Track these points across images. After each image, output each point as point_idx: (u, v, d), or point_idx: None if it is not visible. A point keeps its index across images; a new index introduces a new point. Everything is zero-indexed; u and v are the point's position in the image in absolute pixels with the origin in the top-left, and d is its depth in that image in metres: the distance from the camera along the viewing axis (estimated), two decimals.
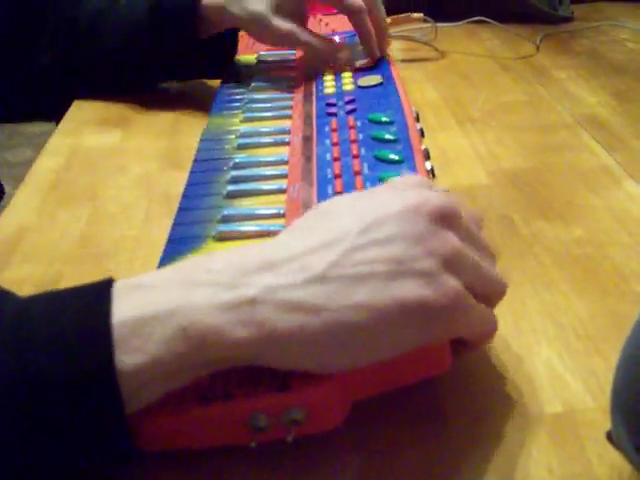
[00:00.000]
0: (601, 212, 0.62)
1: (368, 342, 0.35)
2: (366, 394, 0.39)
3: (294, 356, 0.35)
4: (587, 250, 0.57)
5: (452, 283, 0.36)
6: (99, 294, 0.34)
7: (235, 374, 0.38)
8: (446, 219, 0.38)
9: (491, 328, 0.41)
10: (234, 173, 0.58)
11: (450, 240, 0.37)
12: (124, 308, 0.33)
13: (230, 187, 0.56)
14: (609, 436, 0.37)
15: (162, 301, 0.34)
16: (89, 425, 0.33)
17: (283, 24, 0.74)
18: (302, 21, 0.77)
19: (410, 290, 0.35)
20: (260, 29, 0.75)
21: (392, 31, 1.09)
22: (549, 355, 0.46)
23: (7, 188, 1.10)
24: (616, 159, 0.71)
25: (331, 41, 0.80)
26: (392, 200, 0.38)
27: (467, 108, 0.85)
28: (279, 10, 0.74)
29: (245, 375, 0.37)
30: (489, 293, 0.41)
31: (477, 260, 0.39)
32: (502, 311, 0.49)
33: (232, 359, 0.35)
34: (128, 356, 0.32)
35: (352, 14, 0.75)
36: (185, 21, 0.77)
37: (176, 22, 0.77)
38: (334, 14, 0.94)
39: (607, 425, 0.36)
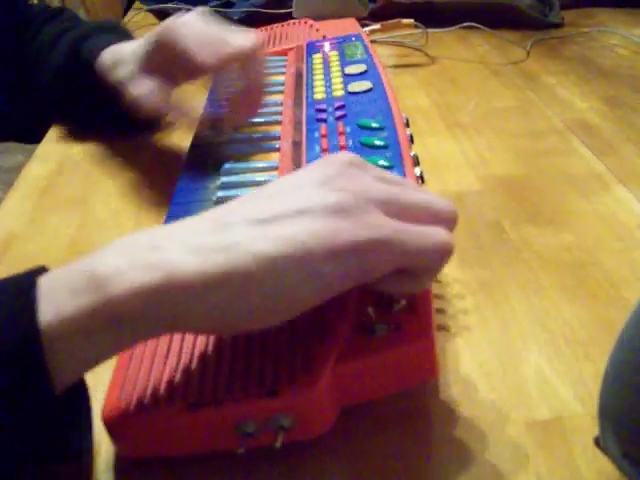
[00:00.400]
0: (591, 218, 0.62)
1: (290, 283, 0.34)
2: (353, 401, 0.39)
3: (196, 305, 0.33)
4: (577, 256, 0.57)
5: (366, 214, 0.35)
6: (26, 277, 0.34)
7: (223, 380, 0.38)
8: (354, 165, 0.38)
9: (436, 247, 0.37)
10: (224, 179, 0.58)
11: (359, 177, 0.37)
12: (43, 281, 0.34)
13: (220, 193, 0.56)
14: (597, 442, 0.37)
15: (74, 263, 0.34)
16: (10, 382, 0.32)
17: (136, 89, 0.65)
18: (174, 82, 0.67)
19: (319, 225, 0.34)
20: (123, 94, 0.66)
21: (383, 37, 1.10)
22: (538, 361, 0.46)
23: None
24: (606, 164, 0.71)
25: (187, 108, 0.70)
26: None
27: (457, 113, 0.85)
28: (149, 71, 0.65)
29: (233, 381, 0.38)
30: (428, 214, 0.38)
31: (394, 188, 0.38)
32: (491, 316, 0.50)
33: (140, 314, 0.33)
34: (41, 313, 0.32)
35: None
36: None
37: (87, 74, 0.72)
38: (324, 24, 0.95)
39: (595, 431, 0.37)
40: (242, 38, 0.60)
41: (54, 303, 0.32)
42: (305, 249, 0.33)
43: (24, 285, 0.33)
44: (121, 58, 0.68)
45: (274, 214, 0.35)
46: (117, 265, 0.33)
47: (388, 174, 0.40)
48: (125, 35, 0.76)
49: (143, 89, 0.64)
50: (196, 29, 0.61)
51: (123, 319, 0.33)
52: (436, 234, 0.37)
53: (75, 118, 0.81)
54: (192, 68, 0.61)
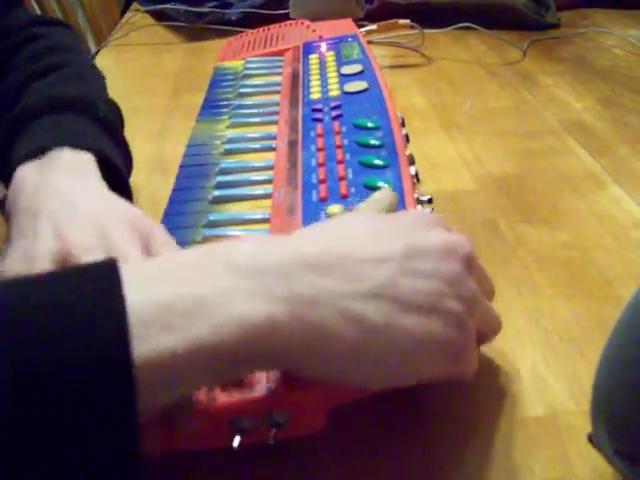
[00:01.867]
0: (586, 217, 0.62)
1: (404, 367, 0.36)
2: (348, 399, 0.39)
3: (338, 369, 0.35)
4: (572, 254, 0.57)
5: (471, 327, 0.38)
6: (107, 272, 0.31)
7: None
8: (470, 263, 0.39)
9: (473, 370, 0.41)
10: (220, 179, 0.58)
11: (473, 287, 0.39)
12: (161, 289, 0.31)
13: (216, 192, 0.56)
14: (590, 438, 0.37)
15: (211, 282, 0.32)
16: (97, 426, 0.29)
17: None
18: None
19: (444, 327, 0.36)
20: None
21: (379, 37, 1.10)
22: (533, 358, 0.46)
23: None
24: (601, 164, 0.71)
25: None
26: (426, 233, 0.39)
27: (454, 114, 0.85)
28: None
29: None
30: (487, 333, 0.43)
31: (486, 303, 0.41)
32: None
33: (279, 359, 0.33)
34: (172, 336, 0.30)
35: None
36: None
37: None
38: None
39: (589, 428, 0.37)
40: None
41: (185, 330, 0.30)
42: (425, 351, 0.36)
43: (113, 305, 0.29)
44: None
45: (411, 302, 0.35)
46: (273, 313, 0.32)
47: (483, 269, 0.43)
48: (85, 111, 0.58)
49: None
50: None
51: (260, 362, 0.33)
52: (477, 360, 0.41)
53: None
54: None
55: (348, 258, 0.35)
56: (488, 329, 0.42)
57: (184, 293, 0.31)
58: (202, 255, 0.34)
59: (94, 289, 0.30)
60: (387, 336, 0.34)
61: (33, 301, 0.30)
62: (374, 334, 0.34)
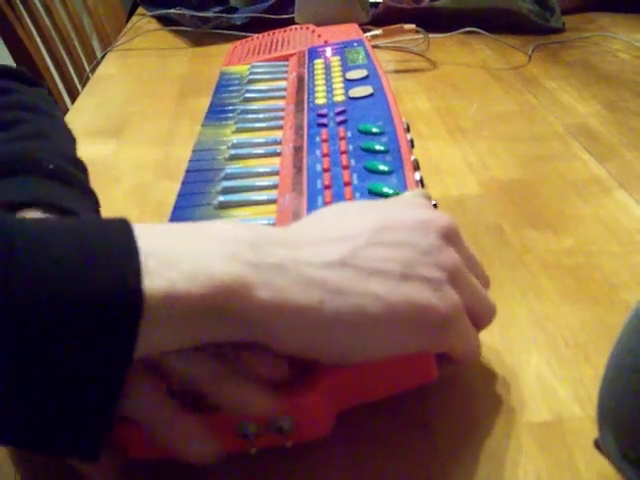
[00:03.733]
0: (591, 222, 0.62)
1: (377, 334, 0.36)
2: (353, 403, 0.39)
3: (306, 336, 0.35)
4: (577, 259, 0.57)
5: (454, 296, 0.38)
6: (120, 225, 0.34)
7: None
8: (450, 237, 0.40)
9: (475, 349, 0.42)
10: (225, 184, 0.58)
11: (453, 256, 0.39)
12: (148, 241, 0.33)
13: (221, 198, 0.56)
14: (597, 444, 0.37)
15: (192, 244, 0.34)
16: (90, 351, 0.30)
17: None
18: None
19: (419, 293, 0.36)
20: None
21: (384, 42, 1.10)
22: (538, 364, 0.46)
23: None
24: (607, 169, 0.71)
25: None
26: (404, 211, 0.40)
27: (459, 118, 0.85)
28: None
29: None
30: (479, 315, 0.42)
31: (474, 280, 0.41)
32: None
33: (253, 323, 0.33)
34: (150, 280, 0.31)
35: None
36: None
37: None
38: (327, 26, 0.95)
39: (595, 433, 0.37)
40: None
41: (166, 278, 0.31)
42: (401, 317, 0.36)
43: (125, 249, 0.32)
44: None
45: (379, 269, 0.36)
46: (243, 274, 0.33)
47: (472, 252, 0.43)
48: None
49: None
50: None
51: (231, 326, 0.33)
52: (477, 339, 0.42)
53: None
54: None
55: (312, 236, 0.37)
56: (479, 310, 0.41)
57: (164, 246, 0.33)
58: (186, 226, 0.36)
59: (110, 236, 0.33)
60: (354, 298, 0.35)
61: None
62: (339, 296, 0.35)
